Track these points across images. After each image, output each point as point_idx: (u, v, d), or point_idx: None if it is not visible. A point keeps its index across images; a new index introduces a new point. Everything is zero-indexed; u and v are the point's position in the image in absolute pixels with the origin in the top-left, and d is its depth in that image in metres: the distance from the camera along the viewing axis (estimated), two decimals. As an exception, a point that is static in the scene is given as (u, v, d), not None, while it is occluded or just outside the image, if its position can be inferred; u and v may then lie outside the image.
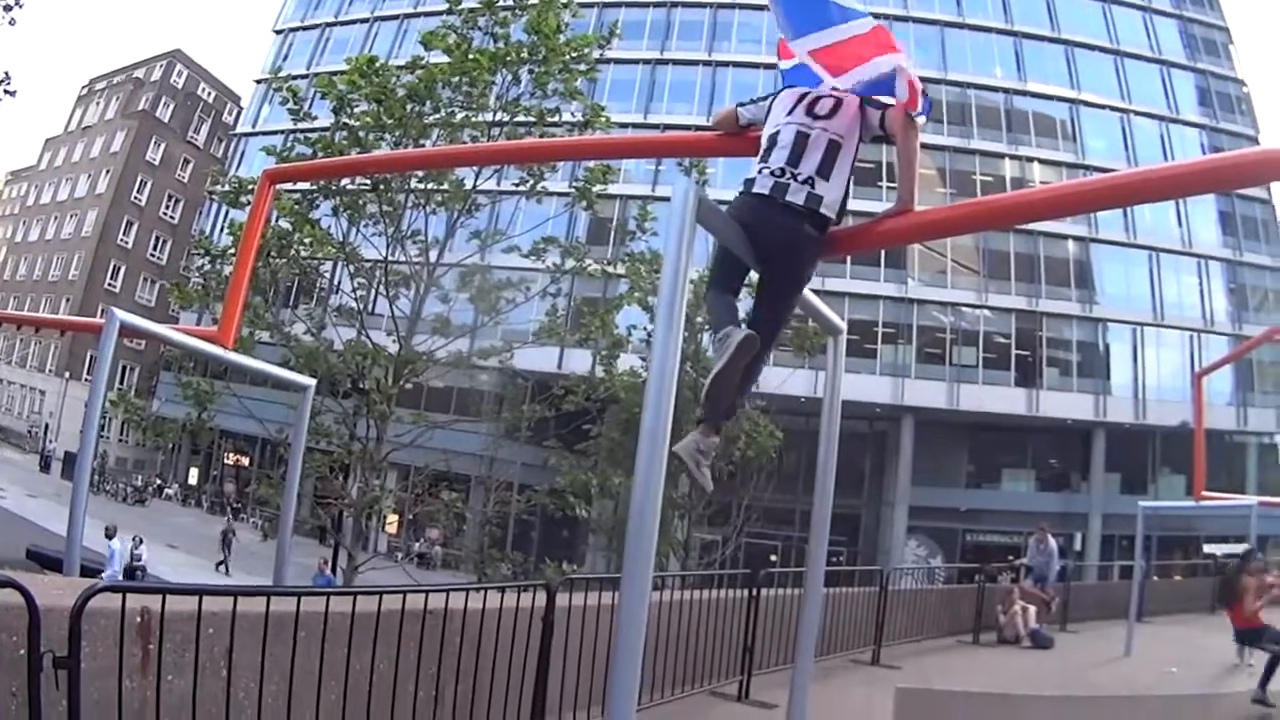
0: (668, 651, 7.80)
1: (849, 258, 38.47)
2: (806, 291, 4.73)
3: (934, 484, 40.13)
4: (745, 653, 8.20)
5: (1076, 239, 42.48)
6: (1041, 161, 41.83)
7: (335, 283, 18.80)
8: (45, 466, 48.39)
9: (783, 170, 3.89)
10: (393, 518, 34.36)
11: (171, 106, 62.80)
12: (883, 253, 39.58)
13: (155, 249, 61.04)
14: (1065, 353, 42.09)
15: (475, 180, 17.38)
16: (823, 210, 3.83)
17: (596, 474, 18.37)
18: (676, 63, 44.35)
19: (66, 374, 55.02)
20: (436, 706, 5.52)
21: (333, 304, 19.30)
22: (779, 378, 21.94)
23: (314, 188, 16.68)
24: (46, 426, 54.92)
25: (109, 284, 57.98)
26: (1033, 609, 14.92)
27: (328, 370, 16.26)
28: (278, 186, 10.74)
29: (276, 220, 16.17)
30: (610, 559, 20.72)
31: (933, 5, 45.52)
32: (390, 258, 17.13)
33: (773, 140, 4.06)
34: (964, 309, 41.62)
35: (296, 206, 16.58)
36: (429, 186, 17.00)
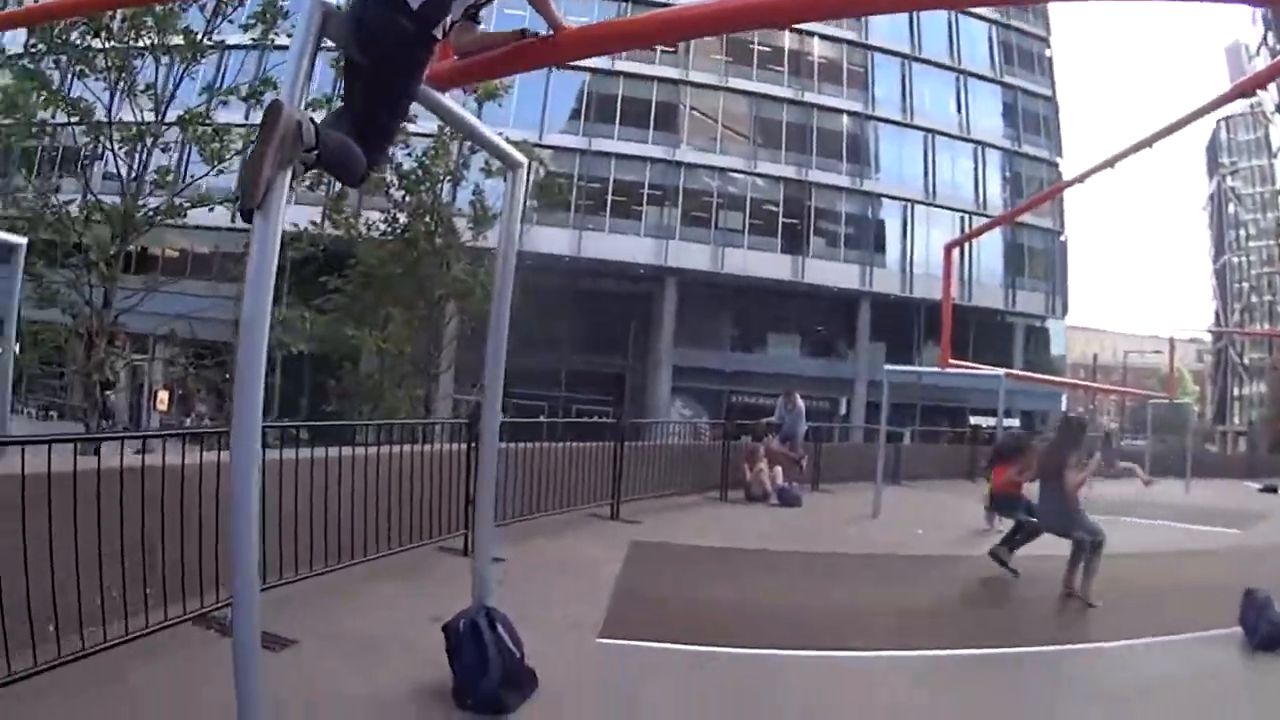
0: (394, 506, 7.72)
1: (618, 120, 39.05)
2: (480, 124, 4.51)
3: (699, 346, 40.83)
4: (468, 505, 8.14)
5: (852, 114, 43.52)
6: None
7: (76, 146, 17.25)
8: None
9: None
10: (164, 394, 33.88)
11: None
12: (652, 114, 39.92)
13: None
14: (834, 224, 43.26)
15: (208, 23, 16.01)
16: (425, 9, 3.62)
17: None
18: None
19: None
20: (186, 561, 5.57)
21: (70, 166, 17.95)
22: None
23: (40, 44, 15.33)
24: None
25: None
26: (779, 468, 15.47)
27: (49, 231, 15.26)
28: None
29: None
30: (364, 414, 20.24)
31: None
32: (118, 112, 15.87)
33: None
34: (733, 175, 42.05)
35: (23, 63, 15.28)
36: (160, 41, 15.57)
